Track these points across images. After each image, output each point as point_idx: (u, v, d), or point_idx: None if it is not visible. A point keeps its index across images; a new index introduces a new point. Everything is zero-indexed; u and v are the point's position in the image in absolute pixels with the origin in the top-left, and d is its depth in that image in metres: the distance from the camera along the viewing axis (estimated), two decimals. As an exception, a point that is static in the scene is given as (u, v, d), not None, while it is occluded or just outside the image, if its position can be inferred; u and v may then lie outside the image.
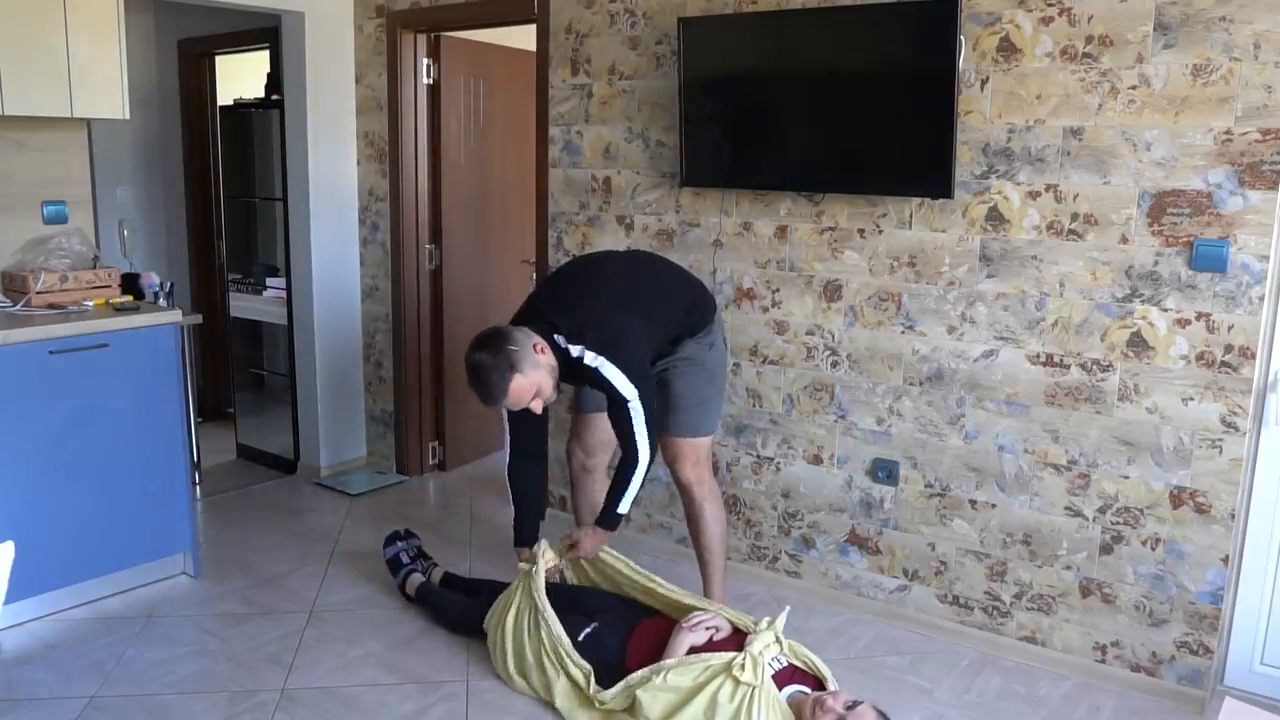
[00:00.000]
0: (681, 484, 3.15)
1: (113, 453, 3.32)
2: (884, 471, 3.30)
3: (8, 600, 3.13)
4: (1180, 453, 2.78)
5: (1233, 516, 2.74)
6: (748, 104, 3.34)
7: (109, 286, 3.55)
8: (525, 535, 3.07)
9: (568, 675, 2.74)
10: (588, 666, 2.72)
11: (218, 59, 5.48)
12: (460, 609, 3.21)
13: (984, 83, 2.97)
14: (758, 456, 3.58)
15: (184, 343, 3.65)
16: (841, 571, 3.44)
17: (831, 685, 2.60)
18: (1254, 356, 2.66)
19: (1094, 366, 2.89)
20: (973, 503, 3.15)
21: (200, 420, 5.01)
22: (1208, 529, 2.77)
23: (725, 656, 2.51)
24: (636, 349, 2.84)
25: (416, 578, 3.40)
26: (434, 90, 4.53)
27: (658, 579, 3.00)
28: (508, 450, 3.04)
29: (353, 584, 3.58)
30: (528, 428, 3.01)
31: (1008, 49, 2.92)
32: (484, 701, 2.83)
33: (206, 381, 5.68)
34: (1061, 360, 2.94)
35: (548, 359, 2.75)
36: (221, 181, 5.29)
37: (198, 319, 4.34)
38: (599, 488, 3.22)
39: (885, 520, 3.32)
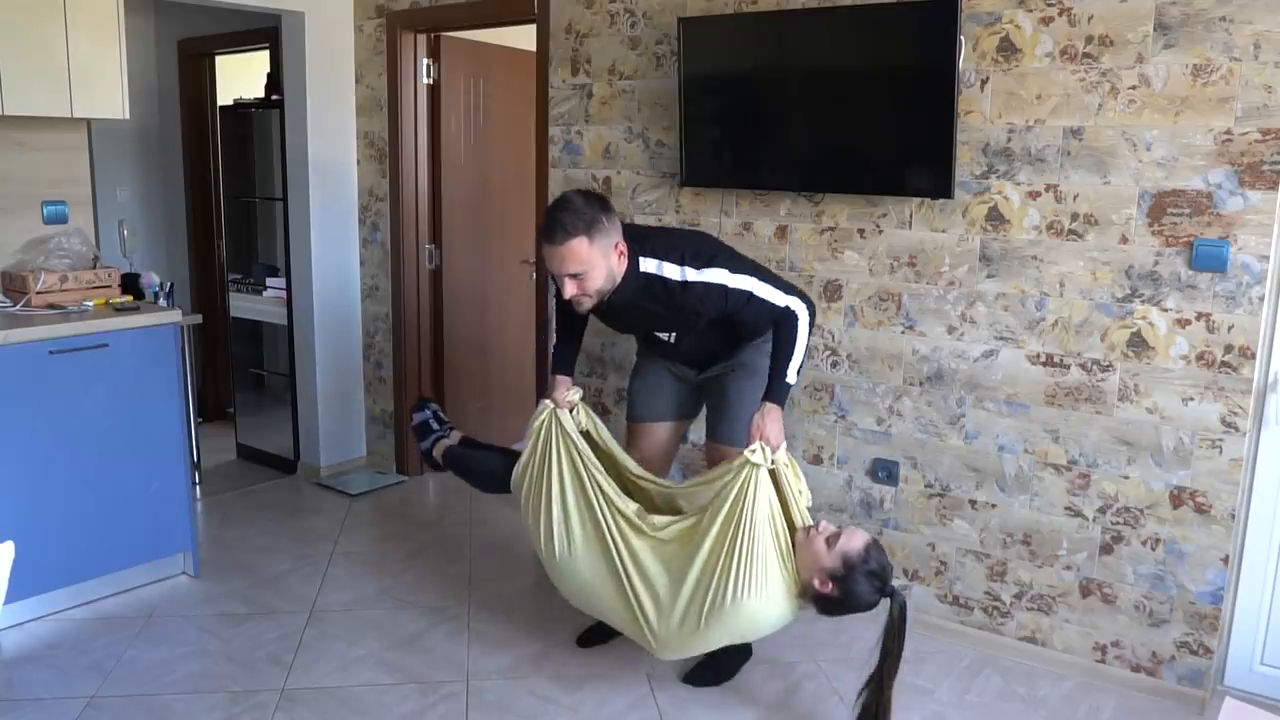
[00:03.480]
0: None
1: (113, 453, 3.32)
2: (884, 471, 3.30)
3: (8, 600, 3.13)
4: (1180, 453, 2.78)
5: (1233, 516, 2.74)
6: (748, 104, 3.34)
7: (109, 286, 3.55)
8: (563, 365, 2.98)
9: (616, 509, 2.70)
10: (636, 505, 2.72)
11: (218, 59, 5.49)
12: (493, 461, 3.11)
13: (984, 83, 2.97)
14: (758, 456, 3.57)
15: (184, 343, 3.66)
16: (841, 571, 3.44)
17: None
18: (1254, 356, 2.66)
19: (1094, 366, 2.89)
20: (973, 503, 3.15)
21: (200, 420, 5.01)
22: (1208, 529, 2.77)
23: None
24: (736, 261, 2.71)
25: (445, 442, 3.26)
26: (434, 90, 4.53)
27: (672, 484, 2.90)
28: (555, 323, 3.04)
29: (353, 584, 3.58)
30: (578, 317, 2.95)
31: (1008, 49, 2.92)
32: (484, 701, 2.83)
33: (206, 381, 5.68)
34: (1061, 360, 2.94)
35: (619, 266, 2.62)
36: (221, 181, 5.29)
37: (198, 319, 4.35)
38: None
39: (885, 520, 3.32)
